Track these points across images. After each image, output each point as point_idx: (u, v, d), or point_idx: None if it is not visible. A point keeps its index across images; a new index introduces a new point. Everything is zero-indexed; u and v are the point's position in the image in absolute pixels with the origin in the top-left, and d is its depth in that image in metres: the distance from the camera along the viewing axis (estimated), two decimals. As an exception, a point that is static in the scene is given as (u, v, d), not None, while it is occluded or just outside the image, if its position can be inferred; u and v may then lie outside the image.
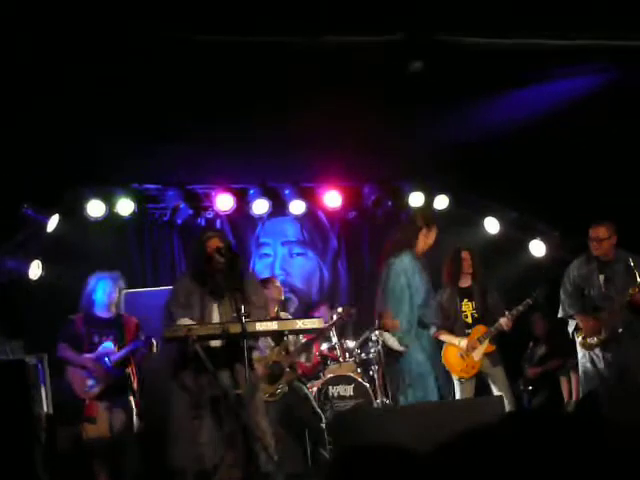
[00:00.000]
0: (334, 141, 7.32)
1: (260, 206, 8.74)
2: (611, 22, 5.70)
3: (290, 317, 7.25)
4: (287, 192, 8.86)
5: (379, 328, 6.19)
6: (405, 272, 6.05)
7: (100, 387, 6.20)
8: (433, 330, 6.83)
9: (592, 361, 6.46)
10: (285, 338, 5.87)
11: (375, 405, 7.25)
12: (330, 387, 7.49)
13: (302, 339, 7.18)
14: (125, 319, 6.55)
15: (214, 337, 5.17)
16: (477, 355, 6.61)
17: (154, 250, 8.87)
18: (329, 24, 5.50)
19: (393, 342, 6.10)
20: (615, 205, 7.29)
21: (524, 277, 8.42)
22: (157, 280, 8.52)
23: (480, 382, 6.73)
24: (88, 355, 6.29)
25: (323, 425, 6.89)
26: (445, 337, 6.76)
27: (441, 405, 6.00)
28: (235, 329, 5.04)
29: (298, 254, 9.40)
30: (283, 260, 9.32)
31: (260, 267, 9.13)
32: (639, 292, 6.24)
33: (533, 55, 6.11)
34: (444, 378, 6.26)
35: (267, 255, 9.28)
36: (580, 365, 6.65)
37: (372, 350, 7.56)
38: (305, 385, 7.21)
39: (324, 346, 7.77)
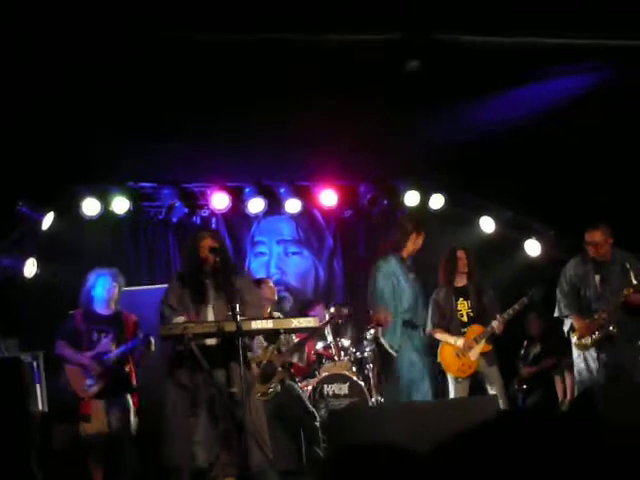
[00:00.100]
0: (330, 140, 7.33)
1: (255, 205, 8.74)
2: (607, 21, 5.71)
3: (282, 317, 7.25)
4: (283, 191, 8.86)
5: (373, 325, 6.21)
6: (392, 274, 6.07)
7: (99, 385, 6.19)
8: (429, 328, 6.85)
9: (587, 361, 6.48)
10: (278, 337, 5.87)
11: (370, 404, 7.27)
12: (325, 385, 7.50)
13: (295, 339, 7.18)
14: (124, 316, 6.53)
15: (209, 335, 5.17)
16: (474, 355, 6.62)
17: (149, 248, 8.86)
18: (326, 23, 5.51)
19: (387, 347, 6.13)
20: (610, 204, 7.31)
21: (519, 276, 8.43)
22: (153, 278, 8.51)
23: (474, 382, 6.73)
24: (87, 353, 6.27)
25: (317, 424, 6.90)
26: (441, 336, 6.77)
27: (436, 404, 6.01)
28: (230, 327, 5.05)
29: (294, 253, 9.40)
30: (278, 259, 9.32)
31: (255, 266, 9.13)
32: (634, 293, 6.26)
33: (529, 54, 6.12)
34: (437, 377, 6.26)
35: (262, 254, 9.28)
36: (575, 365, 6.66)
37: (367, 349, 7.57)
38: (297, 384, 7.21)
39: (319, 345, 7.78)
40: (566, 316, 6.61)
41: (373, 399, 7.30)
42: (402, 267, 6.13)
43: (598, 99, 6.68)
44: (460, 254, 6.82)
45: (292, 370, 7.18)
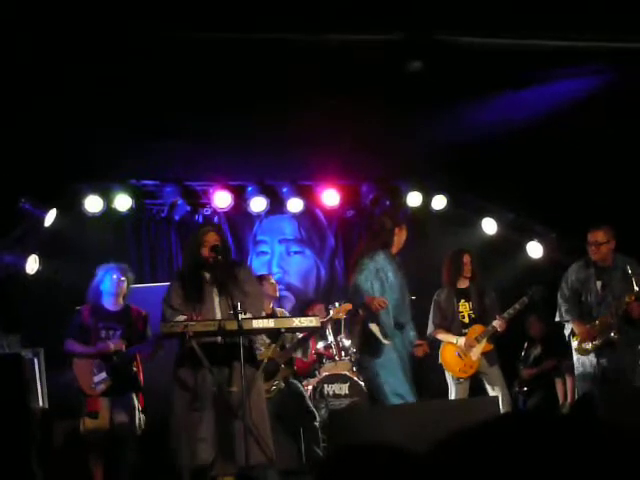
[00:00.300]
0: (332, 139, 7.33)
1: (258, 204, 8.74)
2: (610, 23, 5.71)
3: (287, 313, 7.26)
4: (285, 190, 8.86)
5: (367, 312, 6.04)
6: (379, 271, 5.96)
7: (107, 384, 6.17)
8: (431, 329, 6.85)
9: (585, 366, 6.46)
10: (281, 335, 5.87)
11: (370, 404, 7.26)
12: (325, 385, 7.51)
13: (299, 335, 7.16)
14: (133, 311, 6.47)
15: (210, 334, 5.18)
16: (475, 354, 6.62)
17: (152, 246, 8.87)
18: (327, 23, 5.51)
19: (378, 332, 5.98)
20: (612, 207, 7.31)
21: (521, 278, 8.42)
22: (155, 276, 8.53)
23: (474, 383, 6.74)
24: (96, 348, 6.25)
25: (317, 424, 6.90)
26: (442, 336, 6.78)
27: (436, 405, 6.00)
28: (231, 326, 5.06)
29: (295, 252, 9.41)
30: (280, 258, 9.33)
31: (257, 265, 9.13)
32: (635, 300, 6.25)
33: (531, 55, 6.13)
34: (414, 379, 6.13)
35: (264, 253, 9.29)
36: (575, 369, 6.66)
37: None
38: (301, 383, 7.21)
39: (320, 344, 7.78)
40: (567, 321, 6.60)
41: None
42: (391, 263, 6.04)
43: (601, 102, 6.67)
44: (466, 259, 6.82)
45: (295, 367, 7.18)
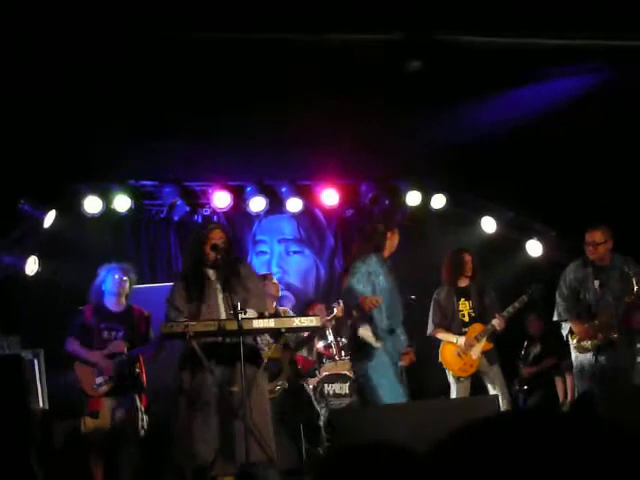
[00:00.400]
0: (331, 139, 7.33)
1: (257, 204, 8.73)
2: (607, 22, 5.72)
3: (291, 312, 7.24)
4: (284, 190, 8.86)
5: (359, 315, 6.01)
6: (371, 275, 5.94)
7: (109, 385, 6.17)
8: (431, 328, 6.85)
9: (585, 364, 6.46)
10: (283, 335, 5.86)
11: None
12: (326, 385, 7.51)
13: (304, 334, 7.14)
14: (135, 312, 6.46)
15: (211, 334, 5.18)
16: (475, 353, 6.62)
17: (151, 247, 8.87)
18: (327, 23, 5.51)
19: (370, 337, 5.95)
20: (611, 205, 7.31)
21: (520, 277, 8.42)
22: (154, 277, 8.52)
23: (475, 382, 6.74)
24: (98, 352, 6.23)
25: (320, 423, 6.90)
26: (442, 335, 6.78)
27: (437, 404, 6.00)
28: (232, 326, 5.06)
29: (295, 252, 9.41)
30: (280, 258, 9.33)
31: (257, 264, 9.12)
32: (635, 300, 6.25)
33: (530, 54, 6.13)
34: (415, 379, 6.10)
35: (264, 253, 9.29)
36: (574, 367, 6.66)
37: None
38: (305, 382, 7.22)
39: (320, 344, 7.77)
40: (565, 320, 6.60)
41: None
42: (383, 267, 6.02)
43: (598, 100, 6.68)
44: (467, 258, 6.83)
45: (299, 366, 7.18)
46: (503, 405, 6.25)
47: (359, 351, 6.00)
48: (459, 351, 6.66)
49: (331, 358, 7.72)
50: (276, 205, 8.93)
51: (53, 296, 7.68)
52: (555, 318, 6.70)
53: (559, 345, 7.22)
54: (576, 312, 6.53)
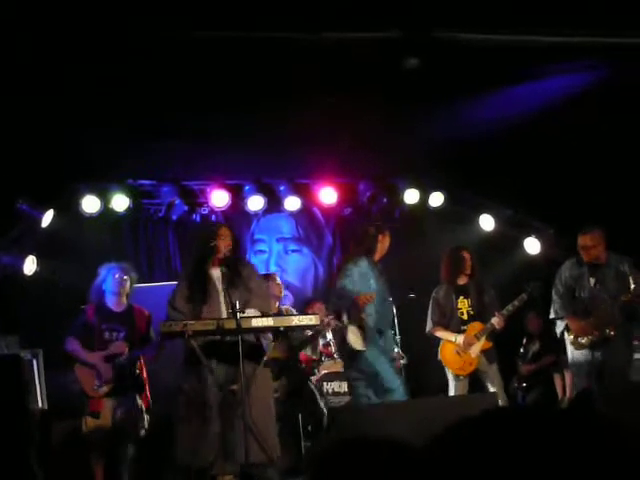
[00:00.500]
0: (329, 137, 7.33)
1: (255, 202, 8.73)
2: (604, 19, 5.72)
3: (294, 311, 7.22)
4: (282, 188, 8.85)
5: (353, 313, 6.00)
6: (363, 277, 5.94)
7: (109, 386, 6.16)
8: (429, 327, 6.86)
9: (582, 361, 6.45)
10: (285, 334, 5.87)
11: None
12: (325, 383, 7.51)
13: (308, 332, 7.11)
14: (136, 312, 6.44)
15: (210, 333, 5.19)
16: (474, 352, 6.63)
17: (149, 246, 8.86)
18: (325, 21, 5.51)
19: (355, 341, 5.96)
20: (608, 202, 7.32)
21: (519, 274, 8.43)
22: (152, 276, 8.51)
23: (473, 380, 6.74)
24: (98, 353, 6.22)
25: (325, 421, 6.90)
26: (441, 334, 6.79)
27: (436, 402, 6.01)
28: (230, 325, 5.06)
29: (293, 251, 9.40)
30: (278, 256, 9.33)
31: (255, 263, 9.11)
32: (632, 297, 6.25)
33: (527, 52, 6.13)
34: (414, 376, 6.09)
35: (262, 252, 9.29)
36: (570, 364, 6.68)
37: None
38: (310, 380, 7.22)
39: (319, 342, 7.77)
40: (561, 318, 6.61)
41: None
42: (374, 270, 6.03)
43: (595, 98, 6.69)
44: (466, 255, 6.83)
45: (302, 363, 7.19)
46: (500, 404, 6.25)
47: (348, 359, 6.04)
48: (458, 349, 6.66)
49: (330, 356, 7.72)
50: (274, 204, 8.93)
51: (51, 296, 7.68)
52: (551, 316, 6.71)
53: (558, 342, 7.24)
54: (572, 309, 6.54)
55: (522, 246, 9.14)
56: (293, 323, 5.42)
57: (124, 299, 6.44)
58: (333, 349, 7.72)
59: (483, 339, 6.64)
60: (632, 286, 6.21)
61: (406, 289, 7.77)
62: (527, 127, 7.04)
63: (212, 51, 5.77)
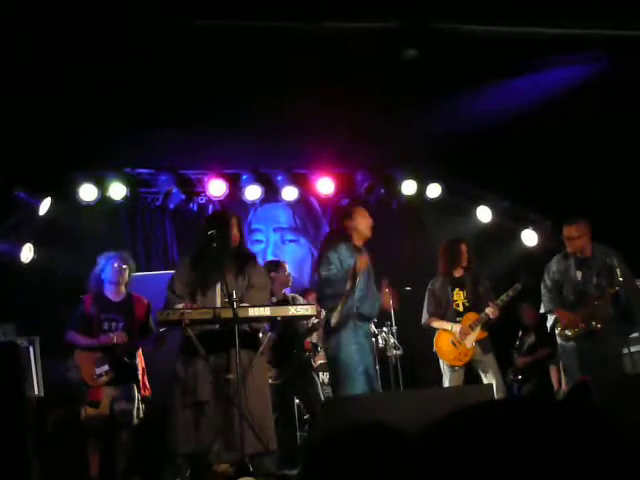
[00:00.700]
0: (327, 128, 7.32)
1: (252, 192, 8.73)
2: (605, 11, 5.71)
3: (300, 299, 7.17)
4: (280, 178, 8.85)
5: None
6: (342, 262, 5.85)
7: (109, 376, 6.17)
8: (425, 318, 6.86)
9: (572, 354, 6.46)
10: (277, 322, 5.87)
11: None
12: (320, 373, 7.53)
13: (314, 320, 7.03)
14: (135, 301, 6.44)
15: (207, 322, 5.19)
16: (469, 342, 6.64)
17: (146, 234, 8.86)
18: (323, 11, 5.50)
19: (335, 316, 5.70)
20: (607, 195, 7.32)
21: (516, 266, 8.43)
22: (149, 265, 8.52)
23: (469, 371, 6.76)
24: (98, 339, 6.22)
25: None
26: (437, 323, 6.79)
27: (431, 393, 6.01)
28: (227, 314, 5.07)
29: (290, 241, 9.41)
30: (275, 246, 9.33)
31: (252, 253, 9.13)
32: (618, 291, 6.26)
33: (527, 43, 6.12)
34: (372, 372, 6.00)
35: (259, 241, 9.29)
36: (559, 356, 6.70)
37: None
38: (312, 369, 7.24)
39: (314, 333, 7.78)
40: (550, 311, 6.63)
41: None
42: (353, 255, 5.91)
43: (595, 90, 6.68)
44: (463, 248, 6.83)
45: (306, 351, 7.21)
46: (497, 394, 6.25)
47: (329, 333, 5.89)
48: (454, 340, 6.67)
49: (325, 346, 7.74)
50: (272, 193, 8.93)
51: (49, 284, 7.69)
52: (542, 310, 6.74)
53: (553, 335, 7.25)
54: (560, 302, 6.56)
55: (519, 238, 9.16)
56: (290, 313, 5.42)
57: (123, 288, 6.44)
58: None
59: (478, 329, 6.65)
60: (619, 279, 6.21)
61: (403, 280, 7.77)
62: (525, 119, 7.04)
63: (210, 40, 5.76)
